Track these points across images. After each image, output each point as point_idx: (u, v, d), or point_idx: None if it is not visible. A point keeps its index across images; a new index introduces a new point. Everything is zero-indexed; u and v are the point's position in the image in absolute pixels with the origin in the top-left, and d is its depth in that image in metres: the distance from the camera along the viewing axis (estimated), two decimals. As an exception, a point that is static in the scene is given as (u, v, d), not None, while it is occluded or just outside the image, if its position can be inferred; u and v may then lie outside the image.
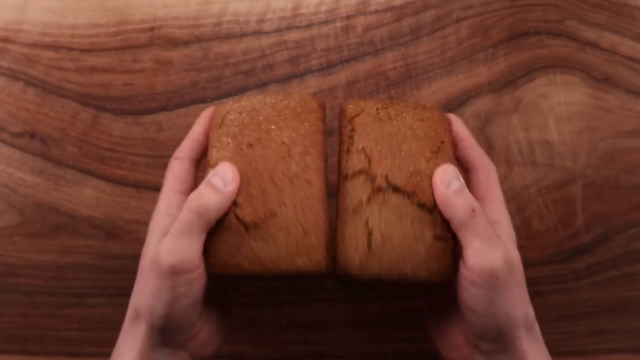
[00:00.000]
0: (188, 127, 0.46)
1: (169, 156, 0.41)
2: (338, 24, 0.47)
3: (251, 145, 0.34)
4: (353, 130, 0.36)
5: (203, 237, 0.33)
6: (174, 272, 0.32)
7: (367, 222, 0.34)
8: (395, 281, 0.34)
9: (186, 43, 0.47)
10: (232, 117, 0.36)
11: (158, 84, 0.47)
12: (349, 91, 0.47)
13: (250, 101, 0.36)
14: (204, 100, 0.47)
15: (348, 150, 0.36)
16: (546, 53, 0.47)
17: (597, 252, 0.47)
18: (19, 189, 0.48)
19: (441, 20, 0.47)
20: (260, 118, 0.35)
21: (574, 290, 0.47)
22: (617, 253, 0.47)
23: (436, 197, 0.34)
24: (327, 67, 0.47)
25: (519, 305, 0.33)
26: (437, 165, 0.35)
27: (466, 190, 0.34)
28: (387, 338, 0.48)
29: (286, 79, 0.47)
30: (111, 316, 0.47)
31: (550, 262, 0.47)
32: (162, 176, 0.39)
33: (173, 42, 0.47)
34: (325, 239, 0.34)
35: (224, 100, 0.47)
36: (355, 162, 0.35)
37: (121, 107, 0.47)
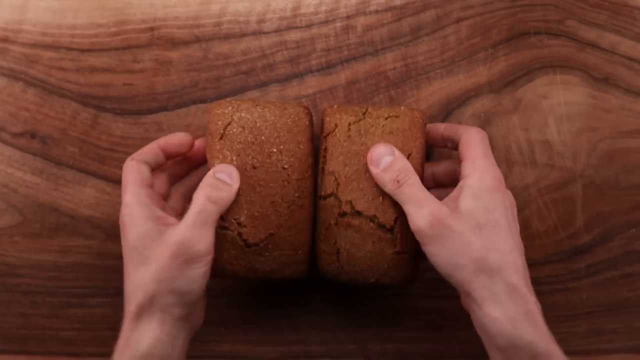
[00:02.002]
0: (188, 127, 0.47)
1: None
2: (338, 24, 0.47)
3: (255, 167, 0.39)
4: (326, 149, 0.40)
5: (215, 227, 0.37)
6: (196, 259, 0.36)
7: (335, 242, 0.40)
8: (363, 286, 0.42)
9: (186, 43, 0.47)
10: (234, 130, 0.39)
11: (158, 84, 0.47)
12: (349, 91, 0.47)
13: (251, 114, 0.39)
14: (204, 100, 0.47)
15: (323, 170, 0.40)
16: (546, 53, 0.47)
17: (597, 252, 0.47)
18: (19, 189, 0.48)
19: (441, 20, 0.47)
20: (263, 138, 0.39)
21: (574, 290, 0.47)
22: (617, 253, 0.47)
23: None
24: (327, 67, 0.47)
25: (463, 252, 0.34)
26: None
27: (397, 163, 0.37)
28: (387, 338, 0.48)
29: (286, 79, 0.47)
30: (111, 316, 0.47)
31: (550, 262, 0.47)
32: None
33: (173, 42, 0.47)
34: (308, 253, 0.41)
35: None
36: (326, 184, 0.40)
37: (121, 107, 0.47)
